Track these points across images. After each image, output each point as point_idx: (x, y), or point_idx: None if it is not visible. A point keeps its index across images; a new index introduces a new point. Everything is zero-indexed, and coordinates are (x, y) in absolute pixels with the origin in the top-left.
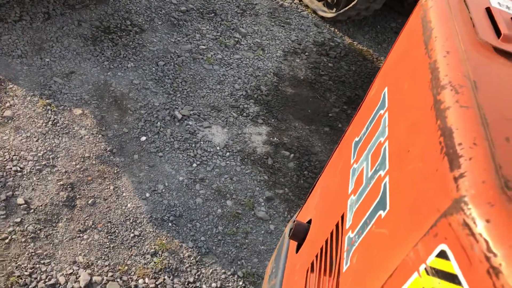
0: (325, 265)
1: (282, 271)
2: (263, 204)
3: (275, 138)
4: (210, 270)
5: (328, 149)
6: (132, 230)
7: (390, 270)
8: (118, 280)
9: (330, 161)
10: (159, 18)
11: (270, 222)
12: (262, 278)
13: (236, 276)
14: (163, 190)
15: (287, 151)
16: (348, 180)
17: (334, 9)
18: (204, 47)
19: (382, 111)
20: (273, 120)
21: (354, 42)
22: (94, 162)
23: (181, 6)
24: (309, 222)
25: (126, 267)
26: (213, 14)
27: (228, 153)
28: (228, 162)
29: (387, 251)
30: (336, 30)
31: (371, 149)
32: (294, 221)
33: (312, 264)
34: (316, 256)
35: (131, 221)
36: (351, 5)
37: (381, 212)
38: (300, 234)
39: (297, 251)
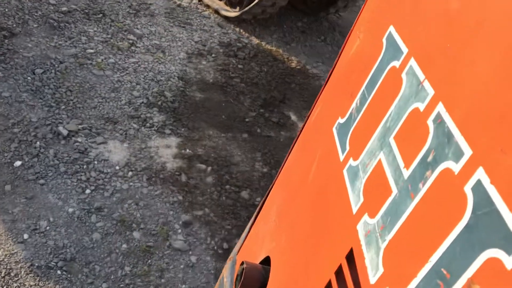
0: None
1: None
2: (179, 231)
3: (188, 150)
4: None
5: (249, 158)
6: None
7: None
8: None
9: (284, 167)
10: (34, 20)
11: (190, 252)
12: None
13: None
14: (47, 228)
15: (203, 164)
16: (344, 190)
17: (238, 8)
18: (92, 50)
19: (396, 62)
20: (183, 129)
21: (262, 42)
22: None
23: (61, 7)
24: (264, 262)
25: None
26: (101, 15)
27: (130, 173)
28: (131, 184)
29: None
30: (241, 30)
31: (393, 128)
32: (242, 264)
33: None
34: None
35: (2, 274)
36: (255, 2)
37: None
38: (254, 284)
39: None
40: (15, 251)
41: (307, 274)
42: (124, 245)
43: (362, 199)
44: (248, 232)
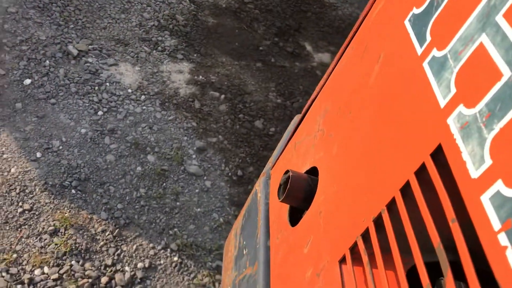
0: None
1: (266, 255)
2: (194, 156)
3: (201, 77)
4: (134, 246)
5: (263, 88)
6: (20, 204)
7: None
8: (4, 274)
9: (332, 74)
10: None
11: (205, 177)
12: (203, 249)
13: (168, 250)
14: (60, 148)
15: (216, 91)
16: (426, 85)
17: None
18: None
19: None
20: (195, 55)
21: None
22: None
23: None
24: (309, 172)
25: (15, 255)
26: None
27: (143, 96)
28: (144, 107)
29: None
30: None
31: (500, 5)
32: (287, 172)
33: (354, 249)
34: (361, 239)
35: (17, 191)
36: None
37: None
38: (299, 194)
39: (294, 223)
40: (29, 168)
41: (373, 178)
42: (139, 168)
43: (454, 91)
44: (285, 146)
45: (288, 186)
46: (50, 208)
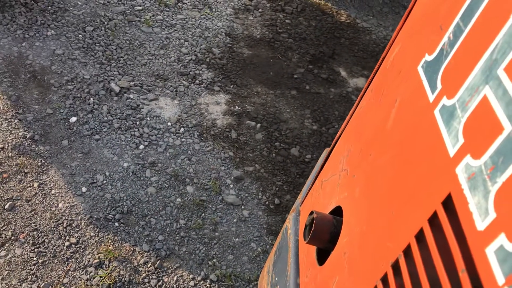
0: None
1: None
2: (231, 186)
3: (237, 107)
4: (175, 277)
5: (298, 115)
6: (67, 237)
7: None
8: None
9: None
10: None
11: (242, 207)
12: (242, 279)
13: (208, 280)
14: (104, 182)
15: (253, 120)
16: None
17: None
18: (140, 7)
19: None
20: (231, 86)
21: None
22: (10, 154)
23: None
24: (334, 212)
25: (63, 287)
26: None
27: (182, 129)
28: (183, 139)
29: None
30: None
31: (501, 59)
32: (311, 213)
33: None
34: (381, 283)
35: (64, 225)
36: None
37: None
38: (324, 236)
39: (321, 262)
40: (75, 203)
41: (391, 223)
42: (178, 199)
43: (462, 140)
44: (313, 183)
45: (313, 228)
46: (95, 241)
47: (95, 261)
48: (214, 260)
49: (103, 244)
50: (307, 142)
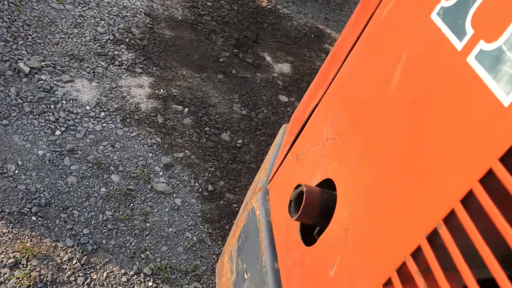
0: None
1: (276, 278)
2: (161, 173)
3: (162, 90)
4: (105, 274)
5: (227, 100)
6: None
7: None
8: None
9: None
10: None
11: (174, 195)
12: (178, 271)
13: (142, 274)
14: (17, 172)
15: (179, 105)
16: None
17: None
18: None
19: None
20: (154, 68)
21: None
22: None
23: None
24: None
25: None
26: None
27: (103, 113)
28: (104, 124)
29: None
30: None
31: None
32: (298, 187)
33: (401, 271)
34: (412, 259)
35: None
36: None
37: None
38: (314, 211)
39: (309, 242)
40: None
41: (419, 189)
42: (103, 189)
43: None
44: (283, 159)
45: (303, 202)
46: (9, 238)
47: (10, 261)
48: (147, 253)
49: (18, 241)
50: (237, 127)
